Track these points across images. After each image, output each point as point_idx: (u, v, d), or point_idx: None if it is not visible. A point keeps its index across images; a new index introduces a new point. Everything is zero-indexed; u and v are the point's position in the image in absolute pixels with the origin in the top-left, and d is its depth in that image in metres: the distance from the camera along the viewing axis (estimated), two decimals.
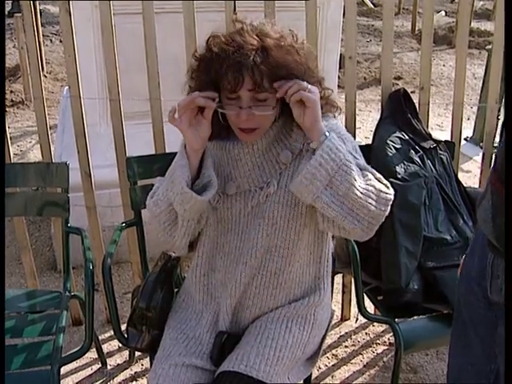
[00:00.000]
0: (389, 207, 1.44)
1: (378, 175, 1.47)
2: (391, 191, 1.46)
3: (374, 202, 1.40)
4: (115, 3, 2.36)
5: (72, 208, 2.11)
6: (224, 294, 1.57)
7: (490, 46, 4.64)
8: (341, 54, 3.15)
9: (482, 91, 4.43)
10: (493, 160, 2.17)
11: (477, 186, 2.67)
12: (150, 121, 2.30)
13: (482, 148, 2.53)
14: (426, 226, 2.05)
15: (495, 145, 2.50)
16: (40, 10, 7.07)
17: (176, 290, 1.78)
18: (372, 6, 9.80)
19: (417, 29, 8.52)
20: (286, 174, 1.52)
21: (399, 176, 2.08)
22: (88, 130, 2.41)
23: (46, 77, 6.07)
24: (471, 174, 4.26)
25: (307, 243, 1.58)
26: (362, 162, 1.49)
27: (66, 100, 3.54)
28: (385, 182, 1.48)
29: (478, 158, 3.31)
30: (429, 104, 2.36)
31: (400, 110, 2.29)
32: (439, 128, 5.17)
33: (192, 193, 1.39)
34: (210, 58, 1.41)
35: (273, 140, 1.52)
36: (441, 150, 2.28)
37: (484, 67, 4.68)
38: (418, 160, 2.16)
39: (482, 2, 10.26)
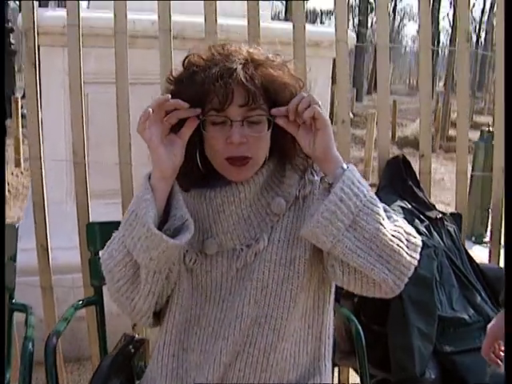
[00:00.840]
0: (418, 256, 1.20)
1: (401, 219, 1.22)
2: (419, 237, 1.22)
3: (405, 248, 1.15)
4: (88, 71, 2.23)
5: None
6: (198, 378, 1.23)
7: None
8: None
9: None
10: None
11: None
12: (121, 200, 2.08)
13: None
14: (440, 305, 1.78)
15: None
16: (22, 113, 7.10)
17: (138, 382, 1.43)
18: (352, 116, 10.06)
19: None
20: (279, 226, 1.25)
21: None
22: (53, 208, 2.21)
23: (22, 173, 5.89)
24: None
25: (304, 312, 1.28)
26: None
27: None
28: (409, 226, 1.22)
29: None
30: (430, 173, 2.16)
31: (400, 178, 2.11)
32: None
33: (162, 235, 1.10)
34: (189, 75, 1.18)
35: (262, 187, 1.26)
36: (447, 221, 2.05)
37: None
38: (424, 230, 1.93)
39: None
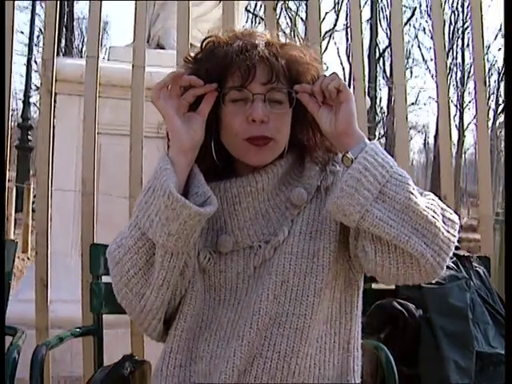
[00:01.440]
0: (457, 235, 1.07)
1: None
2: (455, 214, 1.10)
3: (441, 221, 1.03)
4: (103, 122, 2.23)
5: None
6: None
7: None
8: None
9: None
10: None
11: None
12: None
13: None
14: (476, 342, 1.59)
15: None
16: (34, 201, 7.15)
17: None
18: None
19: None
20: (301, 218, 1.13)
21: (433, 281, 1.68)
22: (56, 260, 2.14)
23: (28, 259, 5.78)
24: None
25: (329, 316, 1.12)
26: None
27: None
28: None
29: None
30: (457, 204, 2.06)
31: None
32: None
33: (184, 200, 0.98)
34: (209, 51, 1.12)
35: (280, 181, 1.16)
36: (475, 262, 1.92)
37: None
38: (452, 265, 1.80)
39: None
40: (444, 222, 1.04)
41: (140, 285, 1.07)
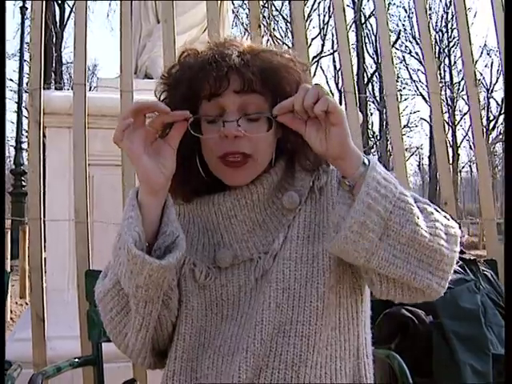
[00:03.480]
0: (459, 246, 1.02)
1: (432, 205, 1.05)
2: (456, 226, 1.04)
3: (445, 243, 0.98)
4: (94, 153, 2.21)
5: None
6: None
7: None
8: None
9: None
10: None
11: None
12: None
13: None
14: (491, 344, 1.53)
15: None
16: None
17: None
18: None
19: None
20: (296, 222, 1.08)
21: None
22: (54, 296, 2.15)
23: (26, 304, 5.67)
24: None
25: (337, 322, 1.05)
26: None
27: None
28: (442, 212, 1.06)
29: None
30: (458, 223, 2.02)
31: None
32: None
33: (143, 256, 0.91)
34: (183, 67, 1.08)
35: (276, 187, 1.11)
36: (483, 266, 1.87)
37: None
38: (459, 269, 1.75)
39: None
40: (447, 241, 0.99)
41: (123, 324, 1.03)
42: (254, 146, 1.03)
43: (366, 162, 0.95)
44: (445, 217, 1.03)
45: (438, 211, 1.03)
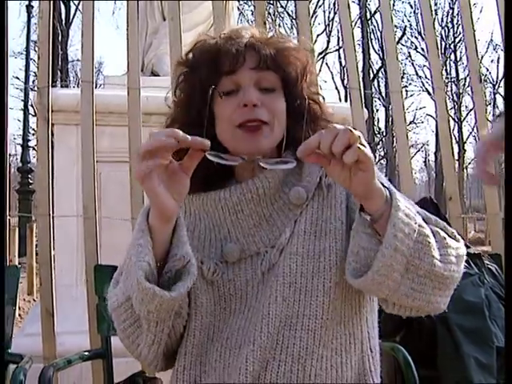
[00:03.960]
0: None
1: (442, 223, 1.06)
2: (462, 242, 1.06)
3: (455, 267, 1.00)
4: (102, 150, 2.23)
5: None
6: None
7: None
8: None
9: None
10: None
11: None
12: None
13: None
14: (495, 338, 1.54)
15: None
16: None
17: None
18: None
19: None
20: (303, 218, 1.09)
21: None
22: (62, 292, 2.14)
23: (34, 301, 5.70)
24: None
25: (343, 316, 1.07)
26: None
27: None
28: (450, 230, 1.06)
29: None
30: (463, 218, 2.03)
31: None
32: None
33: (154, 288, 0.91)
34: (201, 50, 1.11)
35: (283, 182, 1.13)
36: (487, 260, 1.88)
37: None
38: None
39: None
40: (457, 264, 1.01)
41: (135, 335, 1.04)
42: (271, 114, 1.06)
43: (388, 196, 0.94)
44: (453, 236, 1.04)
45: (447, 232, 1.03)
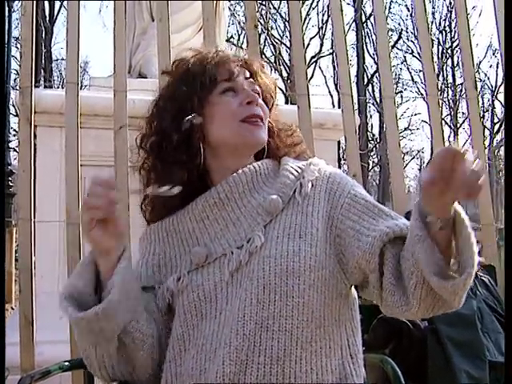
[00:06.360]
0: None
1: None
2: None
3: None
4: (86, 154, 2.18)
5: None
6: None
7: None
8: None
9: None
10: None
11: None
12: None
13: None
14: (488, 352, 1.51)
15: None
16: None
17: None
18: None
19: None
20: (277, 224, 1.10)
21: None
22: (43, 300, 2.06)
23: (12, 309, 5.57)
24: None
25: (321, 318, 1.06)
26: None
27: None
28: None
29: None
30: None
31: None
32: None
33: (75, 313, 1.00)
34: (182, 73, 1.16)
35: (252, 188, 1.15)
36: (480, 272, 1.85)
37: None
38: None
39: None
40: None
41: (127, 372, 1.10)
42: (264, 115, 1.15)
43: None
44: None
45: None
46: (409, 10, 19.83)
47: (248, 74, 1.16)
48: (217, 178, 1.15)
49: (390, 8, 19.34)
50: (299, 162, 1.18)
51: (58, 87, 16.35)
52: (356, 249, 1.05)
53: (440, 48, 19.65)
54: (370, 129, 20.79)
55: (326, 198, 1.12)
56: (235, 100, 1.13)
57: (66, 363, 1.50)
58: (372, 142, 20.83)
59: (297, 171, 1.15)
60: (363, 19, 19.46)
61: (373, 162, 20.64)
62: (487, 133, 19.78)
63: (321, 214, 1.09)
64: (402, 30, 20.35)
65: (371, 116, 20.95)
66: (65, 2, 13.98)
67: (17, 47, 12.19)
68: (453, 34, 19.05)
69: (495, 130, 20.32)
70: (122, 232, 1.04)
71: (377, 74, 18.77)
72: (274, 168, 1.18)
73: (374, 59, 19.43)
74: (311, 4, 18.75)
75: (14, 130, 11.55)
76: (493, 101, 20.42)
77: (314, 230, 1.07)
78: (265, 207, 1.10)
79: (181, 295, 1.08)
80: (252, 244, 1.07)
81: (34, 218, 1.91)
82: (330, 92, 20.10)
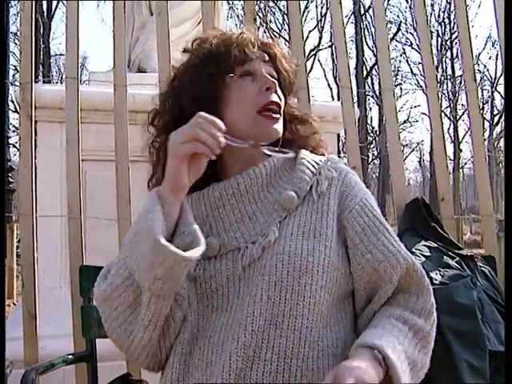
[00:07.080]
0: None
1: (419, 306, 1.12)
2: (429, 299, 1.14)
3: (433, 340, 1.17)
4: (87, 149, 2.17)
5: None
6: None
7: None
8: None
9: None
10: None
11: None
12: None
13: None
14: (488, 341, 1.51)
15: None
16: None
17: None
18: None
19: None
20: (291, 221, 1.10)
21: (436, 282, 1.62)
22: (45, 294, 2.12)
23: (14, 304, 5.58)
24: None
25: (328, 318, 1.07)
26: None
27: None
28: (419, 306, 1.12)
29: None
30: (458, 220, 2.00)
31: (422, 220, 1.94)
32: None
33: (170, 246, 0.94)
34: (206, 46, 1.17)
35: (269, 182, 1.14)
36: (480, 262, 1.85)
37: None
38: (455, 265, 1.73)
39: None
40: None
41: (128, 322, 1.04)
42: (281, 101, 1.15)
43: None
44: (423, 311, 1.11)
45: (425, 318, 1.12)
46: (408, 2, 19.86)
47: (267, 58, 1.16)
48: (229, 163, 1.15)
49: (388, 0, 19.23)
50: (316, 156, 1.18)
51: (57, 82, 16.27)
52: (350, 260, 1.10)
53: (439, 40, 19.57)
54: (369, 121, 20.74)
55: (338, 199, 1.12)
56: (253, 86, 1.12)
57: (70, 356, 1.52)
58: (372, 134, 20.80)
59: (313, 166, 1.15)
60: (362, 11, 19.42)
61: (372, 154, 20.62)
62: (487, 124, 19.78)
63: (335, 214, 1.10)
64: (400, 22, 20.31)
65: (371, 109, 20.92)
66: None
67: (15, 43, 12.13)
68: (452, 25, 18.99)
69: (495, 122, 20.28)
70: (200, 173, 1.03)
71: (376, 67, 18.72)
72: (290, 161, 1.17)
73: (373, 52, 19.40)
74: None
75: (14, 126, 11.50)
76: (492, 92, 20.38)
77: (328, 230, 1.08)
78: (281, 203, 1.10)
79: (193, 282, 1.08)
80: (266, 238, 1.07)
81: (36, 212, 1.91)
82: (329, 85, 20.11)
